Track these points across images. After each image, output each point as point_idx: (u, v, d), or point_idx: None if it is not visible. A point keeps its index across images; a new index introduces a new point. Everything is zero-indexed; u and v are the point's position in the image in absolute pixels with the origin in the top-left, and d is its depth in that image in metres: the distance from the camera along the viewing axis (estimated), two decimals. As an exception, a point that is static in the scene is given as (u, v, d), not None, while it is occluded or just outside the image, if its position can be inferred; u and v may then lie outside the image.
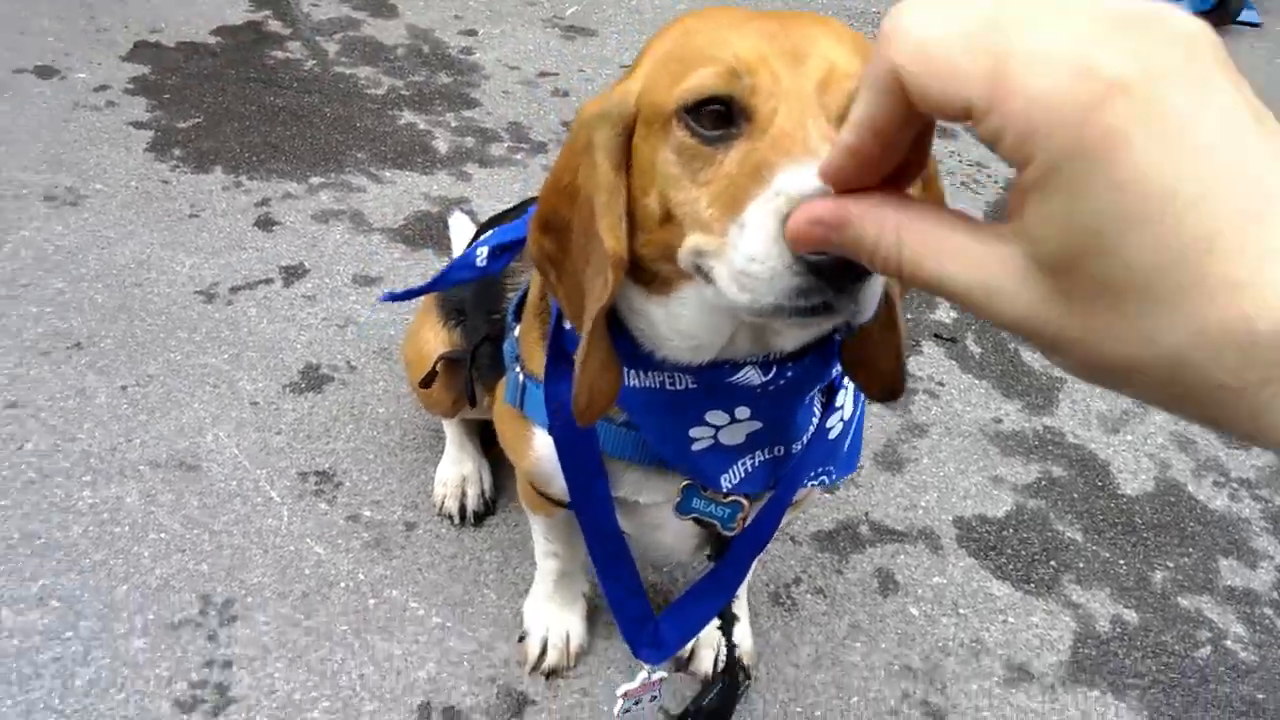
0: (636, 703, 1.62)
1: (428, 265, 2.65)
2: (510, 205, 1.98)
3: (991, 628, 2.00)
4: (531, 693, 1.75)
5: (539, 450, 1.38)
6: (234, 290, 2.47)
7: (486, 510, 2.05)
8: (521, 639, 1.81)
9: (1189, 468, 2.44)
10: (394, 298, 1.71)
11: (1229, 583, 2.17)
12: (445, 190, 2.98)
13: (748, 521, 1.38)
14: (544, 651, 1.78)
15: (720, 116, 0.94)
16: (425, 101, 3.43)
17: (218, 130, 3.07)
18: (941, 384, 2.57)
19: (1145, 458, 2.45)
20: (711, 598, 1.55)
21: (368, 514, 1.99)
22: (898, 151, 0.55)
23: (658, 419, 1.23)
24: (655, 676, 1.60)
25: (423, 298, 1.98)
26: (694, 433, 1.23)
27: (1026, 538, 2.20)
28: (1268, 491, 2.41)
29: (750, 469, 1.30)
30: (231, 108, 3.20)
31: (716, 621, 1.59)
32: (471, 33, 3.97)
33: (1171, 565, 2.19)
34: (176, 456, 2.03)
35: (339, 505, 2.00)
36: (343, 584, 1.86)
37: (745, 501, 1.35)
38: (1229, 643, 2.04)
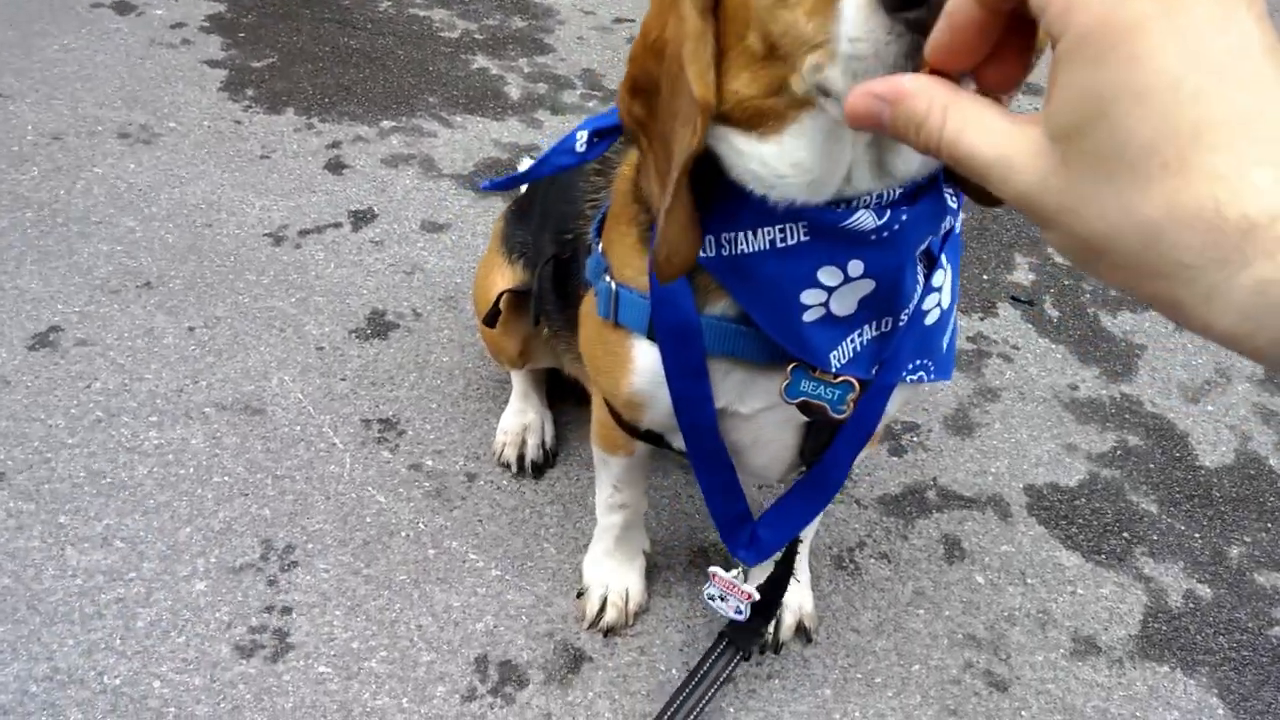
0: (723, 598, 1.53)
1: (495, 212, 2.57)
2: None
3: (1059, 599, 1.89)
4: (589, 649, 1.69)
5: (639, 363, 1.28)
6: (302, 234, 2.41)
7: (546, 462, 1.98)
8: (580, 595, 1.75)
9: (1271, 441, 2.29)
10: (494, 185, 1.59)
11: (1310, 561, 2.04)
12: (516, 137, 2.89)
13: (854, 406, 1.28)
14: (603, 608, 1.72)
15: None
16: (499, 46, 3.33)
17: (291, 71, 3.01)
18: (1016, 348, 2.44)
19: (1226, 429, 2.30)
20: (811, 499, 1.44)
21: (429, 463, 1.94)
22: (989, 35, 0.59)
23: (767, 287, 1.13)
24: (746, 587, 1.52)
25: (491, 240, 1.91)
26: (805, 297, 1.13)
27: (1099, 508, 2.08)
28: (1355, 467, 2.25)
29: (858, 347, 1.21)
30: (306, 48, 3.13)
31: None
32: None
33: (1249, 540, 2.06)
34: (242, 400, 1.99)
35: (401, 453, 1.94)
36: (403, 533, 1.81)
37: (855, 382, 1.24)
38: (1307, 623, 1.92)
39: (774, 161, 1.02)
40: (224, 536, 1.74)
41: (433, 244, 2.45)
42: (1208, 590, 1.94)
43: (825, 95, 0.90)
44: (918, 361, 1.28)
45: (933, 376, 1.31)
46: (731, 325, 1.19)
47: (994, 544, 1.98)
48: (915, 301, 1.20)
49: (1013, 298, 2.61)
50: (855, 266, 1.10)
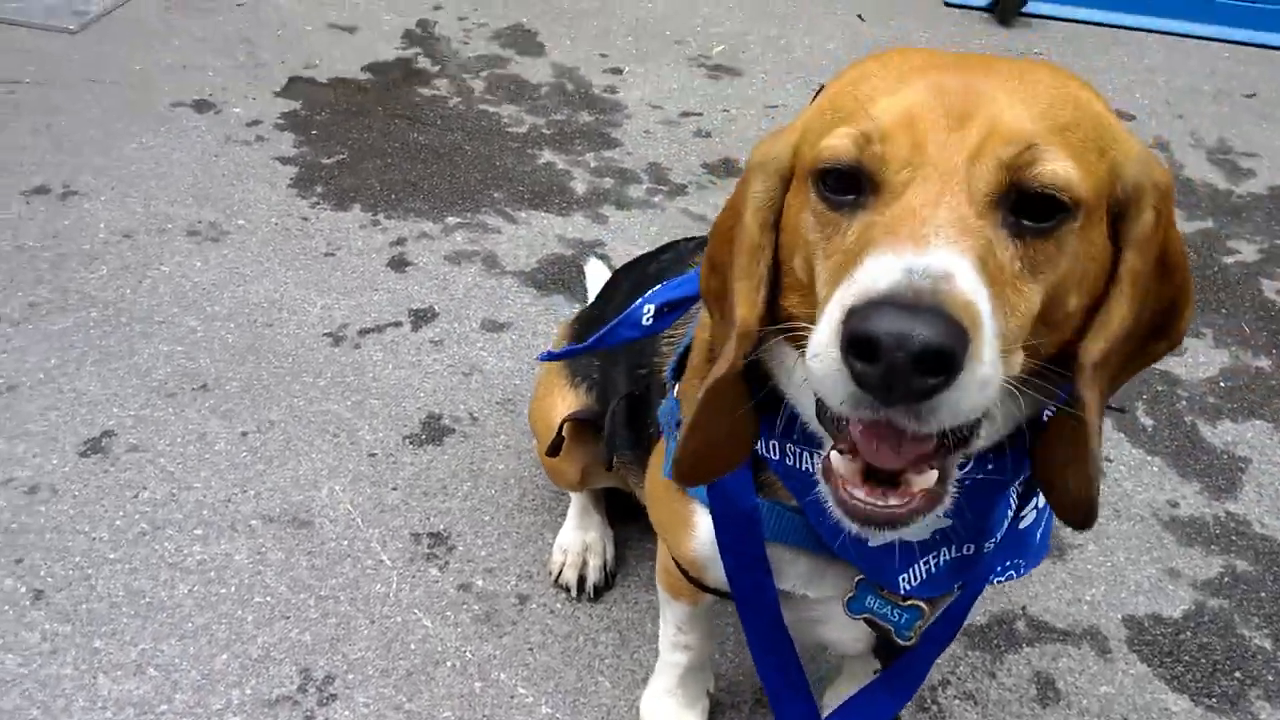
0: None
1: (557, 311, 2.45)
2: (648, 250, 1.74)
3: (1168, 751, 1.66)
4: (645, 802, 1.51)
5: (701, 533, 1.17)
6: (362, 333, 2.31)
7: (606, 583, 1.81)
8: (637, 738, 1.57)
9: (1396, 567, 2.03)
10: (553, 356, 1.50)
11: None
12: (580, 233, 2.78)
13: (925, 628, 1.14)
14: (661, 754, 1.54)
15: (851, 181, 0.79)
16: (566, 140, 3.25)
17: (360, 167, 2.95)
18: (1109, 459, 2.22)
19: (1345, 553, 2.05)
20: (886, 701, 1.28)
21: (480, 583, 1.79)
22: None
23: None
24: None
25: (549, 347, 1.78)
26: None
27: (1207, 643, 1.84)
28: None
29: (934, 569, 1.07)
30: (375, 144, 3.08)
31: None
32: (616, 71, 3.77)
33: (1380, 684, 1.80)
34: (290, 511, 1.86)
35: (450, 571, 1.80)
36: (449, 663, 1.65)
37: (925, 607, 1.11)
38: None
39: (804, 395, 0.94)
40: (261, 665, 1.60)
41: (492, 344, 2.33)
42: (1335, 743, 1.69)
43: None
44: (1008, 562, 1.15)
45: (1023, 571, 1.18)
46: (796, 516, 1.08)
47: (1092, 684, 1.76)
48: (1006, 525, 1.08)
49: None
50: None
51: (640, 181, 3.06)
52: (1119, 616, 1.88)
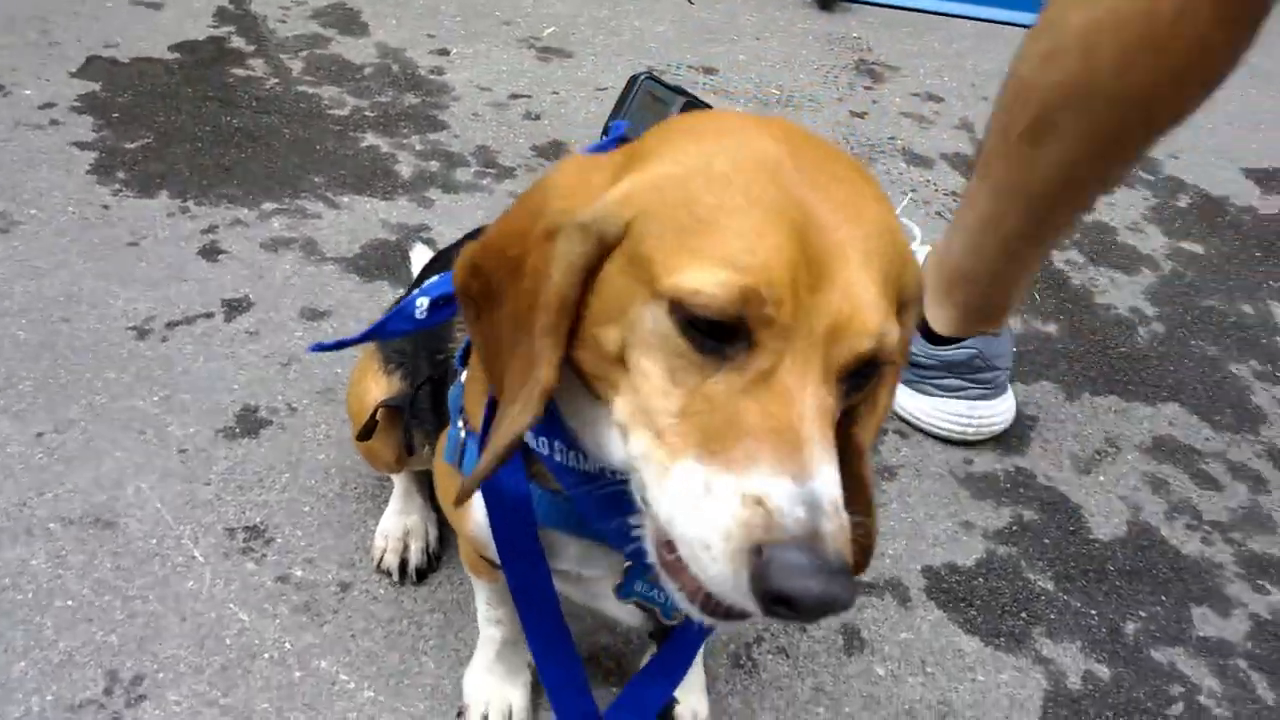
0: None
1: (382, 299, 2.43)
2: (471, 231, 1.75)
3: (960, 687, 1.81)
4: (468, 775, 1.54)
5: (477, 515, 1.20)
6: (170, 325, 2.25)
7: (429, 566, 1.83)
8: (460, 714, 1.60)
9: (1161, 510, 2.25)
10: (323, 348, 1.51)
11: (1202, 633, 1.98)
12: (405, 217, 2.76)
13: None
14: (484, 727, 1.58)
15: (721, 328, 0.80)
16: (390, 123, 3.21)
17: (167, 152, 2.84)
18: (911, 425, 2.38)
19: (1117, 499, 2.26)
20: (661, 682, 1.38)
21: (299, 574, 1.78)
22: None
23: (597, 501, 1.05)
24: None
25: (368, 346, 1.78)
26: (634, 519, 1.05)
27: (997, 587, 2.00)
28: (1240, 535, 2.22)
29: None
30: (184, 128, 2.97)
31: None
32: (443, 52, 3.74)
33: (1144, 615, 2.00)
34: (92, 512, 1.81)
35: (268, 564, 1.78)
36: (267, 655, 1.64)
37: None
38: (1202, 698, 1.85)
39: (586, 427, 0.99)
40: (63, 669, 1.56)
41: (312, 333, 2.30)
42: (1106, 670, 1.87)
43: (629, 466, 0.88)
44: None
45: None
46: (567, 503, 1.12)
47: (893, 632, 1.89)
48: None
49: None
50: None
51: (468, 164, 3.06)
52: (918, 568, 2.02)
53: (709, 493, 0.77)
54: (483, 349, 1.00)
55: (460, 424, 1.20)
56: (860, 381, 0.86)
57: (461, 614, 1.77)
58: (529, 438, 1.06)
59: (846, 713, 1.73)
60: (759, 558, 0.74)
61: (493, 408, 1.05)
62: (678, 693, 1.61)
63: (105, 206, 2.58)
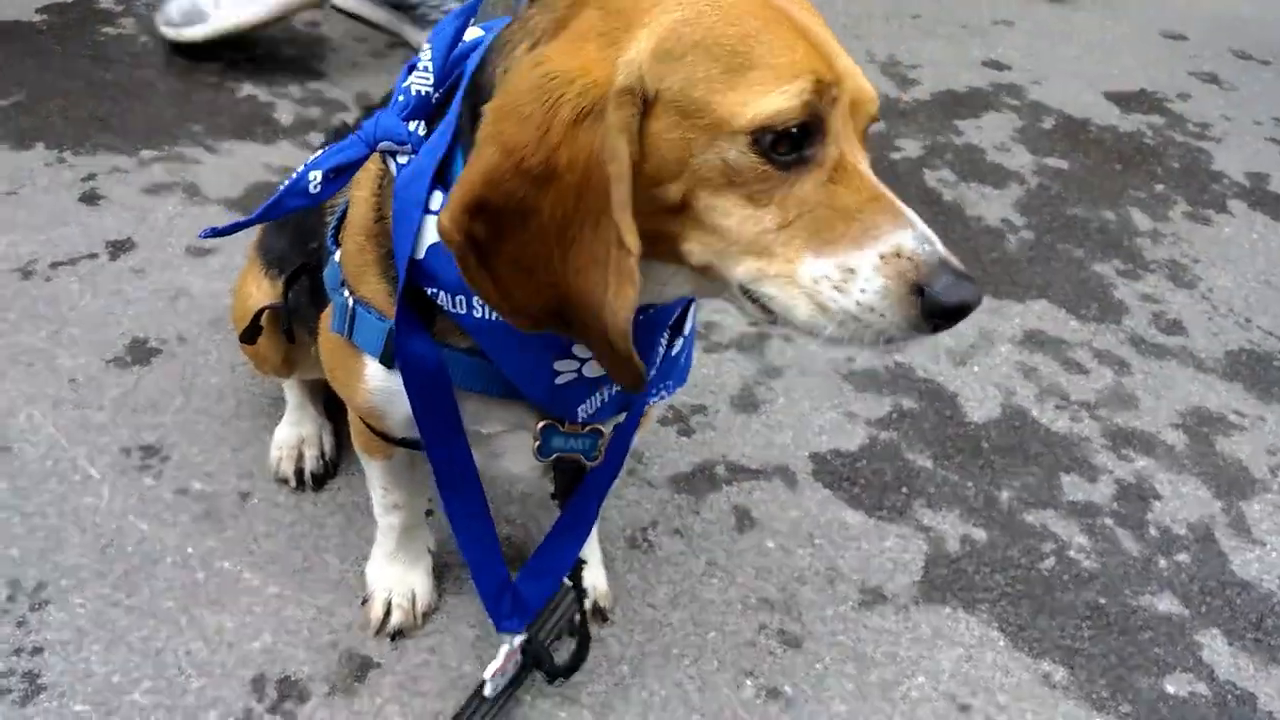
0: (503, 674, 1.50)
1: (267, 233, 2.47)
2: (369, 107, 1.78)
3: (846, 555, 1.94)
4: (375, 655, 1.62)
5: (372, 382, 1.26)
6: (54, 266, 2.26)
7: (326, 472, 1.90)
8: (364, 602, 1.67)
9: (1032, 394, 2.43)
10: (217, 232, 1.48)
11: (1071, 498, 2.16)
12: (287, 159, 2.80)
13: (604, 445, 1.32)
14: (389, 612, 1.65)
15: (794, 140, 0.93)
16: (268, 74, 3.23)
17: (39, 107, 2.83)
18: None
19: (991, 386, 2.42)
20: (568, 542, 1.46)
21: (198, 486, 1.83)
22: None
23: (519, 353, 1.15)
24: (517, 641, 1.49)
25: (249, 249, 1.82)
26: (558, 365, 1.16)
27: (879, 468, 2.15)
28: (1105, 411, 2.41)
29: (606, 398, 1.25)
30: (56, 84, 2.95)
31: None
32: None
33: (1017, 484, 2.17)
34: (-16, 438, 1.83)
35: (166, 479, 1.83)
36: (169, 559, 1.69)
37: (603, 429, 1.30)
38: (1072, 553, 2.02)
39: None
40: (-37, 582, 1.59)
41: (199, 268, 2.33)
42: (982, 533, 2.03)
43: (749, 298, 0.99)
44: (661, 385, 1.33)
45: (672, 390, 1.37)
46: (474, 361, 1.18)
47: (782, 510, 2.02)
48: (661, 355, 1.27)
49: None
50: None
51: (348, 109, 3.10)
52: (805, 454, 2.16)
53: (853, 271, 0.92)
54: (495, 285, 0.99)
55: (345, 293, 1.24)
56: None
57: (362, 515, 1.84)
58: (444, 299, 1.11)
59: (740, 582, 1.85)
60: (921, 295, 0.91)
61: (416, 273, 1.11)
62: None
63: (-22, 158, 2.57)
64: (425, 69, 1.12)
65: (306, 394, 1.92)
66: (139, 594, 1.63)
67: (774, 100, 0.89)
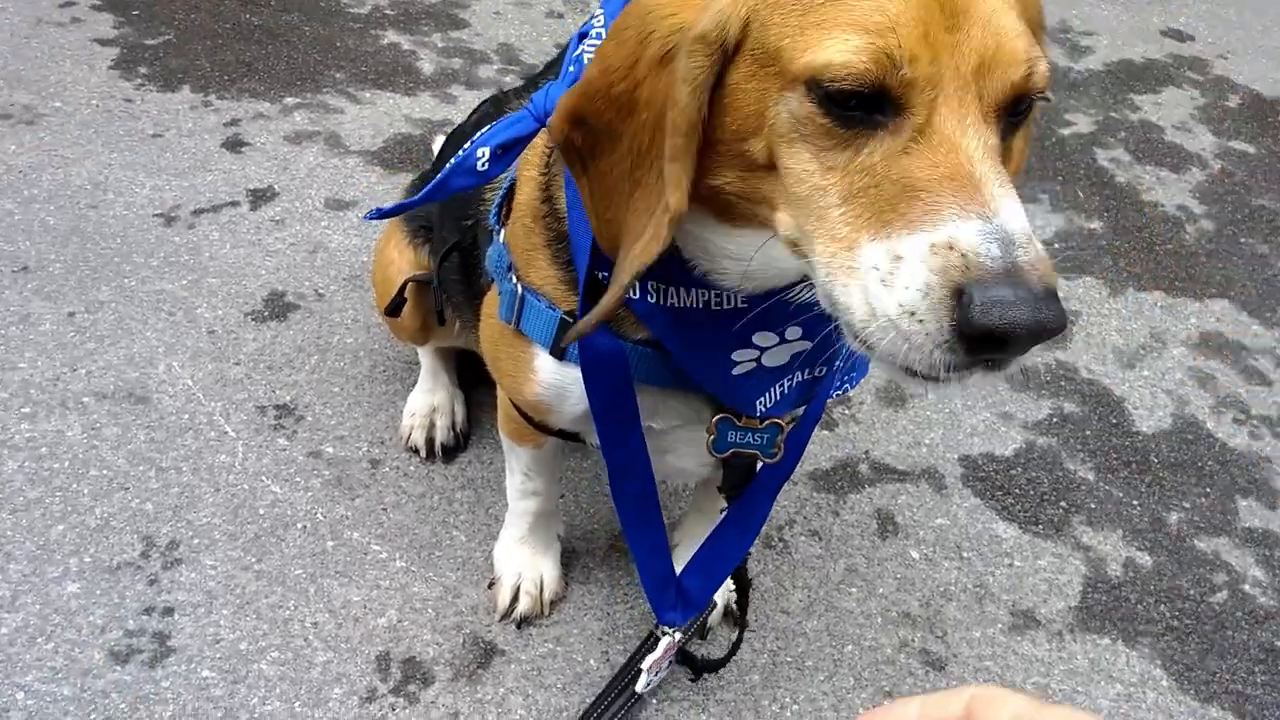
0: (657, 673, 1.45)
1: (406, 186, 2.45)
2: (485, 99, 1.72)
3: (996, 572, 1.83)
4: (501, 642, 1.59)
5: (542, 375, 1.20)
6: (196, 213, 2.28)
7: (457, 444, 1.87)
8: (491, 585, 1.64)
9: (1207, 404, 2.25)
10: (382, 214, 1.44)
11: (1248, 524, 1.99)
12: (428, 112, 2.77)
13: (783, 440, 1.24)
14: (516, 598, 1.61)
15: (863, 99, 0.78)
16: (411, 21, 3.20)
17: (188, 48, 2.86)
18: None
19: (1162, 394, 2.25)
20: (736, 540, 1.38)
21: (330, 450, 1.82)
22: None
23: (695, 341, 1.08)
24: (677, 636, 1.44)
25: (389, 216, 1.79)
26: (736, 355, 1.08)
27: (1035, 477, 2.02)
28: (1291, 429, 2.22)
29: (786, 390, 1.16)
30: (204, 25, 2.98)
31: None
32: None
33: (1188, 506, 2.01)
34: (125, 388, 1.85)
35: (299, 441, 1.82)
36: (299, 525, 1.69)
37: (782, 423, 1.21)
38: (1247, 587, 1.87)
39: (721, 256, 0.97)
40: (100, 534, 1.61)
41: (337, 222, 2.32)
42: (1147, 558, 1.89)
43: (826, 295, 0.84)
44: (841, 380, 1.24)
45: (855, 382, 1.28)
46: (646, 352, 1.12)
47: (928, 517, 1.91)
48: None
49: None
50: (793, 331, 1.06)
51: (490, 62, 3.05)
52: (955, 457, 2.04)
53: (899, 260, 0.75)
54: (592, 199, 0.96)
55: (513, 279, 1.18)
56: (1014, 121, 0.84)
57: (491, 491, 1.80)
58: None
59: (880, 593, 1.76)
60: (959, 301, 0.72)
61: (596, 260, 1.04)
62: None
63: (128, 100, 2.60)
64: (598, 37, 1.04)
65: (441, 361, 1.89)
66: (269, 559, 1.62)
67: (826, 51, 0.77)
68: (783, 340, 1.06)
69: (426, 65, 2.98)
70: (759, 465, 1.29)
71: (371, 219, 1.37)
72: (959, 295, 0.72)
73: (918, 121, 0.77)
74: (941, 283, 0.73)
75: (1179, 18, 3.90)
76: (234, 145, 2.51)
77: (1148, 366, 2.32)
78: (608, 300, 0.92)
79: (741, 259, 0.95)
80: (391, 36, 3.09)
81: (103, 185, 2.30)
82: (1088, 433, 2.13)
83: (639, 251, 0.88)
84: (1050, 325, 0.72)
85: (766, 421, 1.19)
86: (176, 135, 2.50)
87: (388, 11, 3.22)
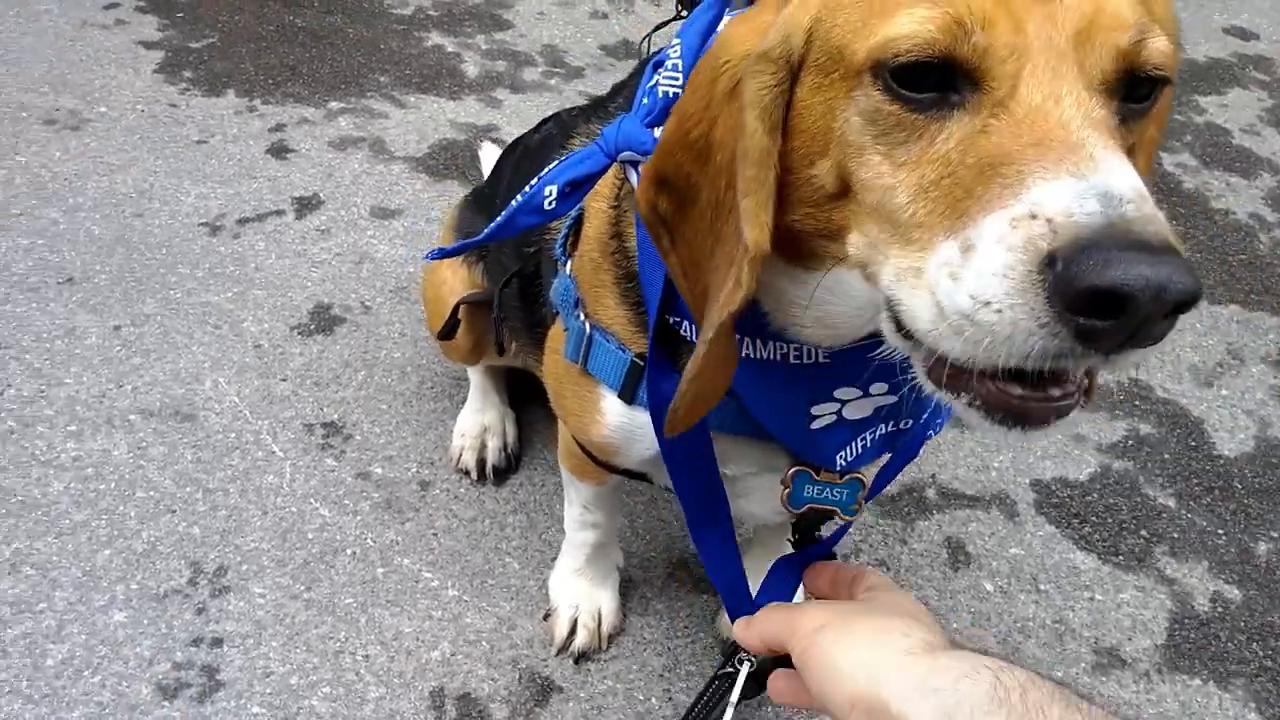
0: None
1: (452, 196, 2.39)
2: (545, 118, 1.66)
3: (1076, 606, 1.74)
4: (558, 678, 1.52)
5: (609, 418, 1.13)
6: (241, 222, 2.23)
7: (509, 466, 1.81)
8: (547, 616, 1.58)
9: (1292, 426, 2.14)
10: (444, 254, 1.35)
11: (1340, 555, 1.89)
12: (473, 117, 2.71)
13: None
14: (573, 631, 1.55)
15: (935, 75, 0.68)
16: (454, 22, 3.15)
17: (232, 51, 2.81)
18: (1016, 330, 2.29)
19: (1243, 414, 2.15)
20: (793, 573, 1.29)
21: (379, 471, 1.76)
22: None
23: (772, 394, 1.00)
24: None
25: (443, 228, 1.73)
26: (816, 409, 1.00)
27: (1113, 504, 1.92)
28: (1381, 453, 2.11)
29: (869, 443, 1.07)
30: (248, 28, 2.93)
31: None
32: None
33: (1277, 535, 1.91)
34: (171, 404, 1.80)
35: (347, 461, 1.77)
36: (349, 550, 1.63)
37: (864, 478, 1.11)
38: (1342, 624, 1.77)
39: (792, 306, 0.88)
40: (147, 559, 1.56)
41: (383, 231, 2.27)
42: (1236, 592, 1.79)
43: (891, 314, 0.74)
44: (934, 419, 1.15)
45: (939, 427, 1.19)
46: (728, 401, 1.02)
47: (1001, 547, 1.82)
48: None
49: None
50: (878, 386, 0.98)
51: (535, 64, 2.99)
52: (1027, 481, 1.95)
53: (971, 249, 0.64)
54: (683, 274, 0.88)
55: (581, 316, 1.11)
56: (1135, 109, 0.73)
57: (545, 516, 1.74)
58: (688, 330, 0.98)
59: (954, 628, 1.68)
60: (1052, 269, 0.59)
61: (668, 302, 0.97)
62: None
63: (173, 105, 2.56)
64: (674, 68, 0.96)
65: (491, 380, 1.83)
66: (318, 587, 1.57)
67: (892, 27, 0.68)
68: (866, 394, 0.99)
69: (470, 68, 2.92)
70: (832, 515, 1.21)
71: (432, 259, 1.31)
72: (1050, 264, 0.60)
73: (999, 95, 0.67)
74: (1024, 259, 0.60)
75: (1241, 14, 3.77)
76: (279, 151, 2.46)
77: (1226, 385, 2.22)
78: (694, 365, 0.84)
79: (816, 313, 0.88)
80: (435, 38, 3.04)
81: (148, 193, 2.26)
82: (1166, 456, 2.04)
83: (723, 302, 0.79)
84: (1177, 284, 0.58)
85: (847, 476, 1.11)
86: (221, 141, 2.46)
87: (431, 13, 3.17)
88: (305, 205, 2.31)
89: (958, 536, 1.83)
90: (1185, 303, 0.60)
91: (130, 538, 1.59)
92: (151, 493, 1.66)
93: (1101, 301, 0.58)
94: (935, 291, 0.66)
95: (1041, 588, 1.76)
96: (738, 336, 0.93)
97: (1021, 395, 0.68)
